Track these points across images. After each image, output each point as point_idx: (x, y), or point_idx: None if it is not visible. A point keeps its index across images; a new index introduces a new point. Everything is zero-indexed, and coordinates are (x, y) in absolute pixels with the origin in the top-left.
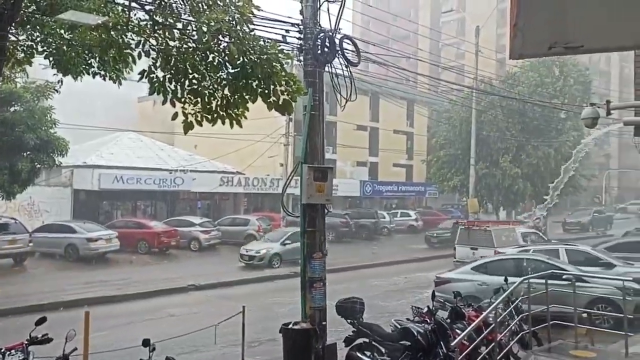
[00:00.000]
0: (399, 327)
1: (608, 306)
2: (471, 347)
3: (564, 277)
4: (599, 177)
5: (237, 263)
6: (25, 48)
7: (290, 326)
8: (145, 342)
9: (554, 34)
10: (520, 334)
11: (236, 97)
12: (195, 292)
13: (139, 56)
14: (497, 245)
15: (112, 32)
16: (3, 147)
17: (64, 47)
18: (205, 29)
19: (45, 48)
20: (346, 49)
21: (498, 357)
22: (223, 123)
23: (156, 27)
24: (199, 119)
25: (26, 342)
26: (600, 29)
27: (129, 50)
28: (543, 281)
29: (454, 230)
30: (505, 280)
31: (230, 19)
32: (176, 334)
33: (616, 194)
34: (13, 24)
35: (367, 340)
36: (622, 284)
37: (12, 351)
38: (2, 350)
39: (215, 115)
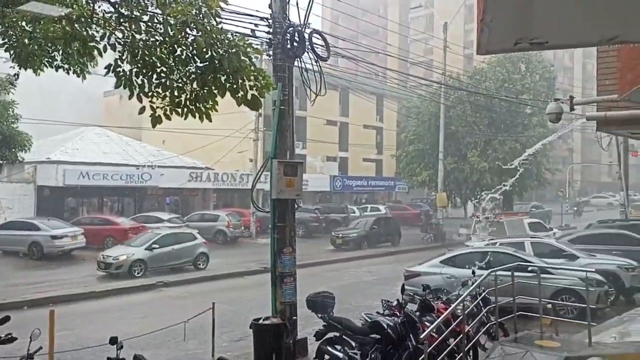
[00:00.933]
0: (369, 320)
1: (572, 297)
2: (440, 339)
3: (529, 269)
4: (562, 171)
5: None
6: None
7: (260, 321)
8: (113, 340)
9: (520, 29)
10: (488, 325)
11: (205, 91)
12: (165, 289)
13: (104, 49)
14: (509, 233)
15: (76, 25)
16: None
17: (25, 40)
18: (172, 22)
19: (5, 41)
20: (315, 44)
21: (466, 349)
22: (194, 117)
23: (121, 20)
24: (167, 112)
25: None
26: (564, 26)
27: (93, 44)
28: (509, 273)
29: (366, 229)
30: (473, 273)
31: (197, 12)
32: (145, 331)
33: (579, 187)
34: None
35: (337, 334)
36: (585, 275)
37: None
38: None
39: (184, 109)
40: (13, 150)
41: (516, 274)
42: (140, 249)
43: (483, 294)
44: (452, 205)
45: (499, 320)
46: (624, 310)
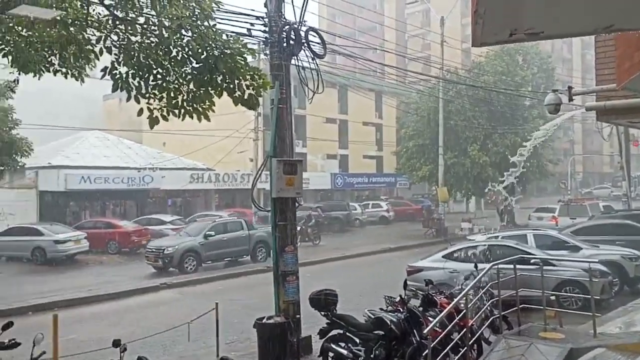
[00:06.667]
0: (372, 317)
1: (575, 288)
2: (443, 333)
3: (532, 261)
4: (564, 163)
5: None
6: None
7: (264, 320)
8: (116, 343)
9: (515, 20)
10: (491, 319)
11: (202, 91)
12: (168, 290)
13: (101, 52)
14: (592, 213)
15: (71, 28)
16: None
17: (23, 45)
18: (167, 24)
19: (3, 46)
20: (312, 42)
21: (470, 342)
22: (191, 117)
23: (117, 22)
24: (164, 113)
25: None
26: (559, 15)
27: (89, 47)
28: (512, 266)
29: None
30: (476, 266)
31: (192, 13)
32: (149, 333)
33: (581, 178)
34: None
35: (341, 331)
36: (588, 266)
37: None
38: None
39: (181, 110)
40: (14, 156)
41: (519, 266)
42: None
43: (486, 288)
44: (453, 200)
45: (502, 313)
46: (628, 301)
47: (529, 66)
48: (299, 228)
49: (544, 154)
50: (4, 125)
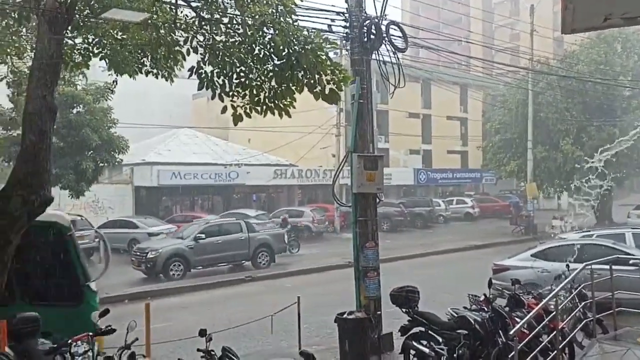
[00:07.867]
0: (456, 315)
1: None
2: (531, 335)
3: (630, 262)
4: None
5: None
6: (82, 51)
7: (345, 316)
8: (202, 333)
9: (609, 4)
10: (584, 322)
11: (283, 88)
12: (253, 283)
13: (188, 53)
14: None
15: (161, 31)
16: (68, 147)
17: (118, 48)
18: (250, 22)
19: (100, 50)
20: (393, 36)
21: (560, 346)
22: (273, 114)
23: (203, 23)
24: (247, 110)
25: (91, 334)
26: None
27: (177, 48)
28: (608, 267)
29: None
30: (567, 266)
31: (274, 11)
32: (234, 324)
33: None
34: (69, 28)
35: (423, 329)
36: None
37: (78, 342)
38: (69, 342)
39: (264, 106)
40: (112, 153)
41: (615, 267)
42: None
43: (578, 289)
44: (544, 196)
45: (596, 316)
46: None
47: (628, 54)
48: None
49: None
50: (103, 124)
